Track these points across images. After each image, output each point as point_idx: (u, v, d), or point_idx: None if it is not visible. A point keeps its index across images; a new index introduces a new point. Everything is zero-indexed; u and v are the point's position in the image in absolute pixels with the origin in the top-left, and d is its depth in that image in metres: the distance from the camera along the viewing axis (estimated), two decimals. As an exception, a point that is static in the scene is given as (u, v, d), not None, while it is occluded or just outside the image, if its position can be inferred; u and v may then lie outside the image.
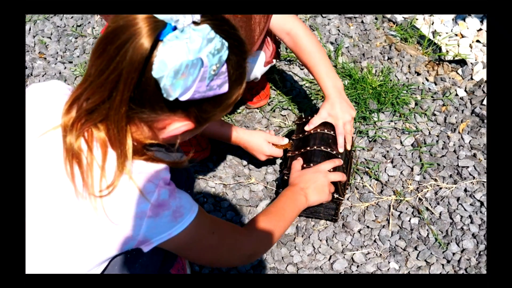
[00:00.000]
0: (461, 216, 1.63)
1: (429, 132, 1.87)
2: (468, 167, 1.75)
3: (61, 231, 0.91)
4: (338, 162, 1.52)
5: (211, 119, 0.93)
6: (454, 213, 1.64)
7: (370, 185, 1.74)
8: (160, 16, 0.77)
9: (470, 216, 1.63)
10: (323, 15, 2.31)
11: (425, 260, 1.56)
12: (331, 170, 1.49)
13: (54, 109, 0.93)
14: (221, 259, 1.14)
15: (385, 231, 1.62)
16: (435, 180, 1.73)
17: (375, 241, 1.61)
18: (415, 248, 1.58)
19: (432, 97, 1.98)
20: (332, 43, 2.22)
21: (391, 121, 1.92)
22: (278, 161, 1.82)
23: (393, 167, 1.77)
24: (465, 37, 2.17)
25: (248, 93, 1.95)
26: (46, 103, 0.97)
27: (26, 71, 2.19)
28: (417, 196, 1.70)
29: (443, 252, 1.57)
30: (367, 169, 1.77)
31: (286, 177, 1.53)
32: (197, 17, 0.79)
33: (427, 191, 1.70)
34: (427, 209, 1.66)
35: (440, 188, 1.70)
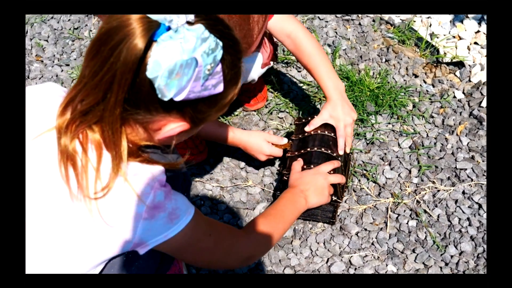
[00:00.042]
0: (459, 219, 1.63)
1: (427, 134, 1.87)
2: (466, 169, 1.74)
3: (56, 233, 0.90)
4: (337, 164, 1.51)
5: (206, 119, 0.93)
6: (452, 216, 1.64)
7: (367, 188, 1.73)
8: (154, 16, 0.77)
9: (468, 219, 1.63)
10: (320, 18, 2.31)
11: (423, 263, 1.55)
12: (331, 172, 1.48)
13: (49, 111, 0.93)
14: (218, 261, 1.13)
15: (383, 233, 1.62)
16: (433, 182, 1.72)
17: (372, 243, 1.61)
18: (413, 251, 1.58)
19: (430, 99, 1.98)
20: (329, 45, 2.21)
21: (389, 123, 1.91)
22: (276, 164, 1.82)
23: (391, 169, 1.77)
24: (463, 39, 2.17)
25: (246, 96, 1.94)
26: (41, 105, 0.97)
27: (23, 74, 2.19)
28: (415, 198, 1.69)
29: (441, 254, 1.56)
30: (364, 172, 1.76)
31: (286, 178, 1.52)
32: (191, 17, 0.79)
33: (425, 193, 1.70)
34: (425, 211, 1.66)
35: (438, 191, 1.70)
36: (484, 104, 1.92)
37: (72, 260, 0.92)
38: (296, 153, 1.58)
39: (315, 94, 2.02)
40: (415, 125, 1.90)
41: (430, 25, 2.23)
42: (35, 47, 2.31)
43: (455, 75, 2.07)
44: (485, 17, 2.22)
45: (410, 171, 1.76)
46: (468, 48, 2.14)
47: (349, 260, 1.57)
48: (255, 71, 1.72)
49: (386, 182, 1.74)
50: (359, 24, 2.29)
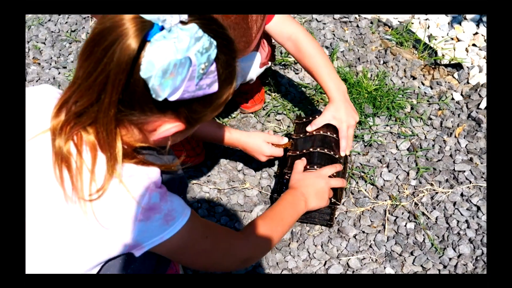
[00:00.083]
0: (458, 221, 1.62)
1: (425, 137, 1.86)
2: (464, 171, 1.74)
3: (51, 236, 0.90)
4: (339, 167, 1.51)
5: (201, 119, 0.92)
6: (450, 218, 1.63)
7: (365, 190, 1.72)
8: (147, 16, 0.76)
9: (466, 221, 1.62)
10: (318, 20, 2.31)
11: (421, 265, 1.54)
12: (333, 175, 1.48)
13: (44, 113, 0.93)
14: (215, 263, 1.12)
15: (381, 236, 1.61)
16: (431, 184, 1.71)
17: (370, 246, 1.60)
18: (411, 253, 1.57)
19: (428, 101, 1.98)
20: (327, 48, 2.21)
21: (387, 125, 1.91)
22: (274, 166, 1.81)
23: (389, 171, 1.76)
24: (461, 40, 2.17)
25: (243, 98, 1.94)
26: (36, 107, 0.96)
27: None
28: (413, 200, 1.68)
29: (440, 257, 1.55)
30: (362, 174, 1.76)
31: (287, 177, 1.50)
32: (184, 17, 0.78)
33: (423, 195, 1.69)
34: (423, 214, 1.65)
35: (436, 193, 1.69)
36: (482, 106, 1.91)
37: (67, 262, 0.91)
38: (298, 152, 1.57)
39: (312, 96, 2.02)
40: (413, 127, 1.89)
41: (428, 27, 2.23)
42: (32, 50, 2.31)
43: (453, 77, 2.07)
44: (484, 18, 2.22)
45: (408, 173, 1.75)
46: (466, 50, 2.14)
47: (347, 263, 1.56)
48: (254, 71, 1.72)
49: (384, 184, 1.73)
50: (357, 26, 2.29)
